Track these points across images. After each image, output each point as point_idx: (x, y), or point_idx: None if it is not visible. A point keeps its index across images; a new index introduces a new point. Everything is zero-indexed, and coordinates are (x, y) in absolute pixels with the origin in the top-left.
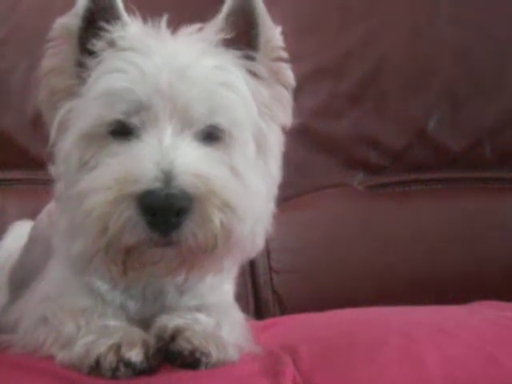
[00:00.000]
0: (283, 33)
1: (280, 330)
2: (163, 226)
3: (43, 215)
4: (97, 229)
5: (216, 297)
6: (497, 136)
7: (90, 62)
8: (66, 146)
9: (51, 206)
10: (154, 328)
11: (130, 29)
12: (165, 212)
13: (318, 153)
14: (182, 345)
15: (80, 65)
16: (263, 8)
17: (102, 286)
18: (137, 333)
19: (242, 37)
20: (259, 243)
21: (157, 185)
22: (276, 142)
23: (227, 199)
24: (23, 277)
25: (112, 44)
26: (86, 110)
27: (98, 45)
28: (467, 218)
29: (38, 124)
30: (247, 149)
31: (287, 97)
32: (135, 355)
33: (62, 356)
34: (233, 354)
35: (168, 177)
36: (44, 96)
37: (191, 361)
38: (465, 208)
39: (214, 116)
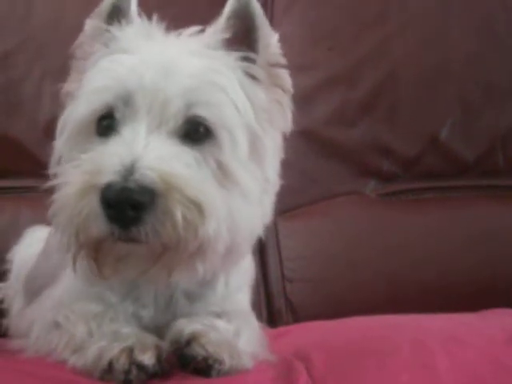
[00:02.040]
0: (296, 42)
1: (293, 337)
2: (121, 219)
3: None
4: (66, 222)
5: (230, 305)
6: (509, 144)
7: (87, 65)
8: (57, 147)
9: None
10: (171, 332)
11: (126, 29)
12: (121, 205)
13: (330, 160)
14: (196, 350)
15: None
16: (261, 13)
17: (113, 296)
18: (149, 338)
19: (243, 39)
20: (244, 247)
21: (115, 178)
22: (273, 147)
23: (191, 195)
24: (40, 284)
25: (106, 45)
26: (75, 109)
27: (94, 47)
28: (480, 225)
29: (49, 132)
30: (238, 149)
31: (286, 102)
32: (148, 358)
33: (74, 360)
34: (247, 361)
35: (128, 171)
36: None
37: (204, 366)
38: (477, 216)
39: (192, 109)
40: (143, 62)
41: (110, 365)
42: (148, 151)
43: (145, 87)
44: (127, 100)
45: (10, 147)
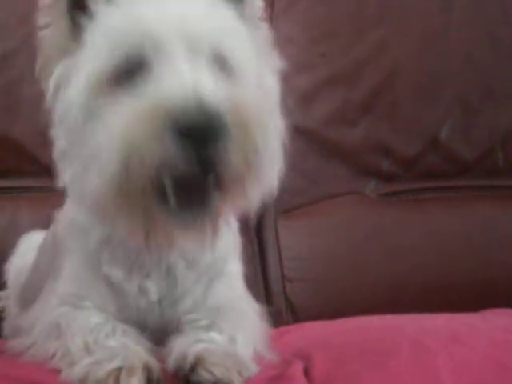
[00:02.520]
0: (296, 41)
1: (293, 337)
2: (204, 158)
3: (49, 234)
4: (121, 157)
5: (223, 284)
6: (509, 144)
7: (84, 21)
8: (68, 99)
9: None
10: (173, 355)
11: None
12: (205, 134)
13: (330, 160)
14: (203, 375)
15: (74, 23)
16: None
17: (120, 274)
18: (140, 356)
19: None
20: (275, 180)
21: (192, 104)
22: (274, 87)
23: (262, 120)
24: (34, 293)
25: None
26: (90, 59)
27: (93, 2)
28: (480, 225)
29: (49, 133)
30: (252, 89)
31: (269, 45)
32: (135, 383)
33: (65, 374)
34: (253, 369)
35: (201, 98)
36: (40, 64)
37: None
38: (477, 216)
39: (220, 52)
40: (162, 6)
41: None
42: (204, 79)
43: (174, 26)
44: (156, 41)
45: (10, 148)
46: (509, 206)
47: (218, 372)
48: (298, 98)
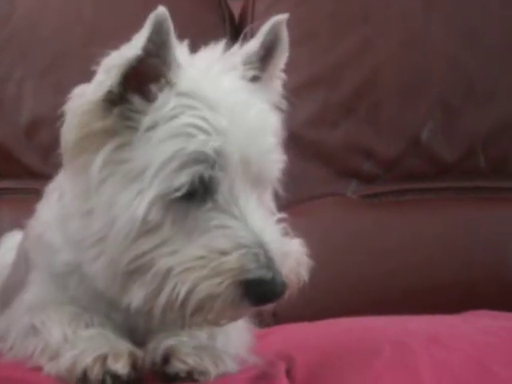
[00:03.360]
0: None
1: (275, 338)
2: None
3: (20, 248)
4: (191, 299)
5: None
6: (490, 145)
7: (139, 102)
8: (125, 197)
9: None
10: (147, 351)
11: (185, 69)
12: (273, 299)
13: (311, 162)
14: (177, 366)
15: (123, 102)
16: (287, 40)
17: (87, 300)
18: (123, 344)
19: (263, 68)
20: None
21: (265, 274)
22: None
23: (298, 256)
24: (13, 294)
25: (171, 87)
26: (162, 170)
27: (153, 86)
28: (461, 227)
29: (30, 134)
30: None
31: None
32: (121, 367)
33: (49, 368)
34: (231, 365)
35: (272, 263)
36: (73, 129)
37: (189, 382)
38: (459, 217)
39: (270, 172)
40: (224, 118)
41: (85, 374)
42: (265, 231)
43: (241, 154)
44: (225, 165)
45: None
46: (490, 207)
47: (192, 361)
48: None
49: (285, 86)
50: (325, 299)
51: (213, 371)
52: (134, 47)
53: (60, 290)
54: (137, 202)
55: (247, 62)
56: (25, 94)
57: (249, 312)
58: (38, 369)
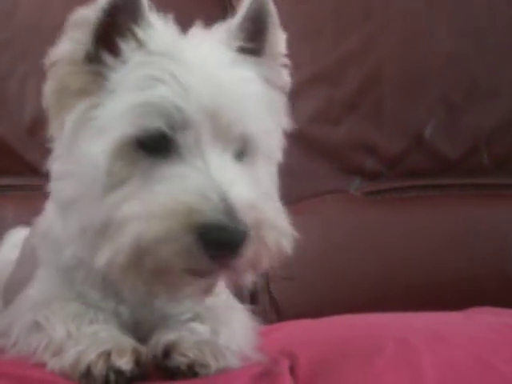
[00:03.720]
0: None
1: (278, 335)
2: (224, 258)
3: (26, 243)
4: (145, 253)
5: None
6: (493, 142)
7: (110, 60)
8: (88, 158)
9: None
10: (149, 346)
11: (158, 30)
12: (232, 247)
13: (314, 159)
14: (178, 359)
15: (96, 60)
16: (275, 13)
17: (94, 294)
18: (127, 341)
19: (253, 42)
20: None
21: (223, 219)
22: (280, 148)
23: (279, 224)
24: (17, 291)
25: (141, 45)
26: (122, 118)
27: (123, 44)
28: (464, 224)
29: (34, 130)
30: (265, 157)
31: (285, 102)
32: (125, 363)
33: (52, 364)
34: (232, 360)
35: (230, 209)
36: (51, 88)
37: (190, 375)
38: (461, 214)
39: (247, 131)
40: (196, 77)
41: (88, 370)
42: (232, 182)
43: (206, 110)
44: (187, 124)
45: None
46: (493, 204)
47: (192, 354)
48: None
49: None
50: (328, 296)
51: (213, 365)
52: (101, 2)
53: (66, 285)
54: (101, 155)
55: (232, 32)
56: (27, 92)
57: (209, 268)
58: (42, 365)
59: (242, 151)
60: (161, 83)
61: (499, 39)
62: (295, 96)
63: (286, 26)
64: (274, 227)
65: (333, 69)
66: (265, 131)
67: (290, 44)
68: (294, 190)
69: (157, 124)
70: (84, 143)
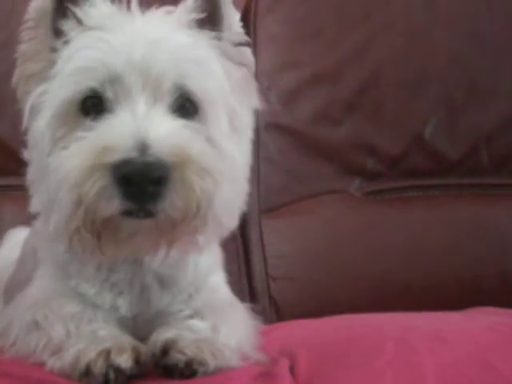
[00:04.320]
0: (280, 40)
1: (278, 335)
2: (140, 196)
3: (26, 243)
4: (71, 199)
5: (204, 293)
6: (494, 142)
7: (59, 44)
8: (37, 128)
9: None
10: (148, 344)
11: (98, 8)
12: (142, 181)
13: (314, 159)
14: (176, 357)
15: (52, 49)
16: None
17: (90, 289)
18: (126, 339)
19: (210, 18)
20: (234, 219)
21: (133, 154)
22: (249, 124)
23: (204, 165)
24: (17, 291)
25: (80, 23)
26: (58, 89)
27: (65, 25)
28: (464, 224)
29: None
30: (221, 123)
31: (252, 80)
32: (125, 361)
33: (52, 363)
34: (231, 358)
35: (144, 146)
36: (17, 80)
37: (188, 373)
38: (462, 214)
39: (183, 84)
40: (127, 38)
41: (88, 368)
42: (154, 126)
43: (134, 63)
44: (116, 79)
45: None
46: (493, 204)
47: (190, 352)
48: (282, 96)
49: (288, 83)
50: (327, 295)
51: (212, 363)
52: None
53: (63, 280)
54: (44, 127)
55: (185, 9)
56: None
57: (131, 208)
58: (41, 364)
59: (185, 107)
60: (91, 48)
61: (499, 39)
62: (296, 96)
63: (286, 26)
64: (201, 169)
65: (333, 69)
66: (214, 96)
67: (290, 44)
68: (295, 190)
69: (88, 84)
70: (33, 125)
